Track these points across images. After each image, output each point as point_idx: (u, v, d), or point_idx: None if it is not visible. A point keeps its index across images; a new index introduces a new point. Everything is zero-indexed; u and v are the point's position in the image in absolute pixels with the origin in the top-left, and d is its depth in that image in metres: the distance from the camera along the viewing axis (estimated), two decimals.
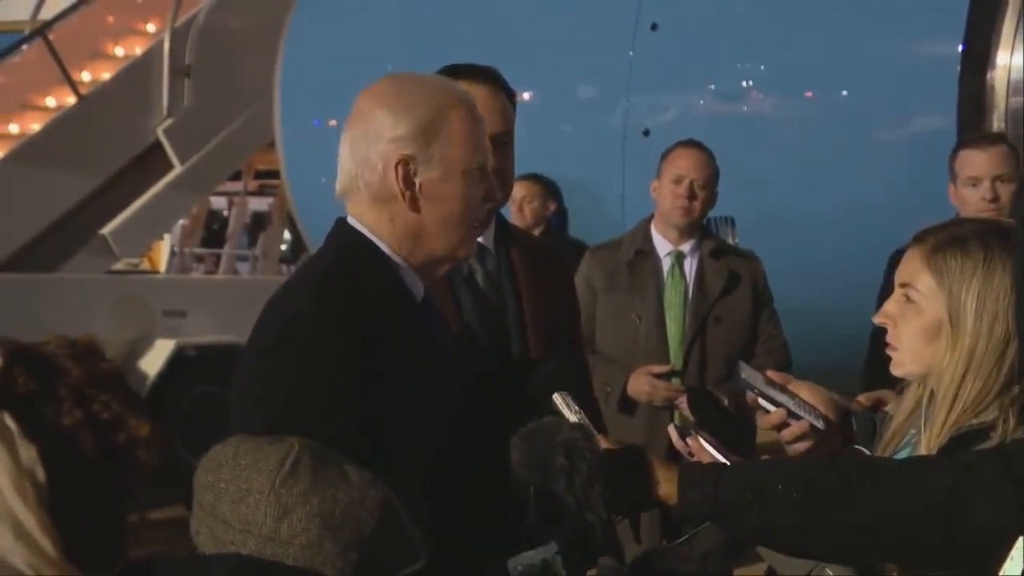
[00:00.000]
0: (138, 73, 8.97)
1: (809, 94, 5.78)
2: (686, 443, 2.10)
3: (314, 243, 6.81)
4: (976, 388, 1.86)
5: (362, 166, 1.98)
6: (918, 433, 1.96)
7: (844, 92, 5.67)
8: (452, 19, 6.61)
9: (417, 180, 1.97)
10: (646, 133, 5.84)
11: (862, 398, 2.28)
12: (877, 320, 2.00)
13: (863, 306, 3.19)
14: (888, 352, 1.98)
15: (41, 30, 8.92)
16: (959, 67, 5.25)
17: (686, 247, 4.27)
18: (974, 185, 3.76)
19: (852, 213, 5.44)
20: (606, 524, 1.84)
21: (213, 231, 13.74)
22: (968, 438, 1.85)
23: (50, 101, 9.23)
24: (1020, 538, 1.59)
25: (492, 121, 2.23)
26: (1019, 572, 1.57)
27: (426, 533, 1.49)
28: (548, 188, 5.59)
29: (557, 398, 1.98)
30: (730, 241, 4.99)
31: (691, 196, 4.18)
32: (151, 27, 9.92)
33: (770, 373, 2.17)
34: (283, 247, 12.43)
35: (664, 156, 4.29)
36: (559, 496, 1.80)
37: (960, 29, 5.25)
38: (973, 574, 1.74)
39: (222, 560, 1.41)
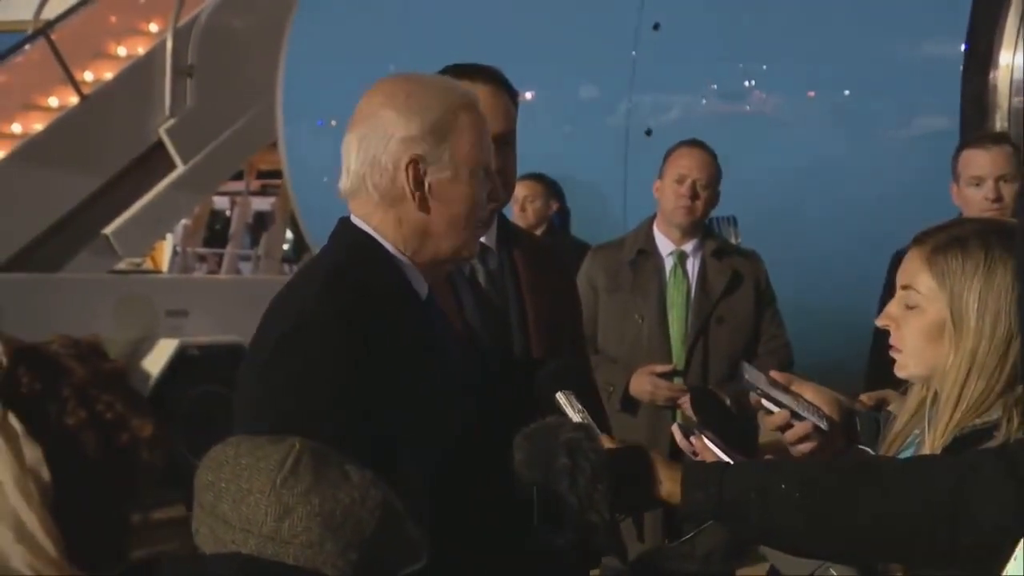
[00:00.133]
0: (140, 73, 8.98)
1: (811, 94, 5.78)
2: (690, 442, 2.10)
3: (316, 243, 6.81)
4: (979, 388, 1.86)
5: (371, 166, 1.98)
6: (922, 433, 1.96)
7: (847, 92, 5.66)
8: (454, 19, 6.61)
9: (427, 180, 1.97)
10: (648, 133, 5.84)
11: (865, 398, 2.28)
12: (880, 323, 2.00)
13: (865, 306, 3.19)
14: (892, 354, 1.98)
15: (44, 30, 8.92)
16: (962, 67, 5.25)
17: (688, 247, 4.27)
18: (977, 185, 3.76)
19: (855, 213, 5.44)
20: (609, 524, 1.84)
21: (215, 231, 13.77)
22: (972, 438, 1.84)
23: (53, 101, 9.24)
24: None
25: (495, 121, 2.24)
26: (1022, 573, 1.57)
27: (427, 533, 1.49)
28: (550, 188, 5.59)
29: (560, 397, 1.98)
30: (732, 241, 4.99)
31: (693, 196, 4.18)
32: (154, 27, 9.93)
33: (773, 373, 2.17)
34: (285, 247, 12.44)
35: (667, 156, 4.29)
36: (562, 496, 1.80)
37: (963, 29, 5.25)
38: (976, 574, 1.74)
39: (223, 560, 1.41)
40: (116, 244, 8.55)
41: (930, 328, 1.91)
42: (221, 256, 12.29)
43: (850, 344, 4.06)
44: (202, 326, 8.20)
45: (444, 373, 1.98)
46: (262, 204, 13.70)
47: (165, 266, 12.78)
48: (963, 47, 5.26)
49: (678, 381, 4.17)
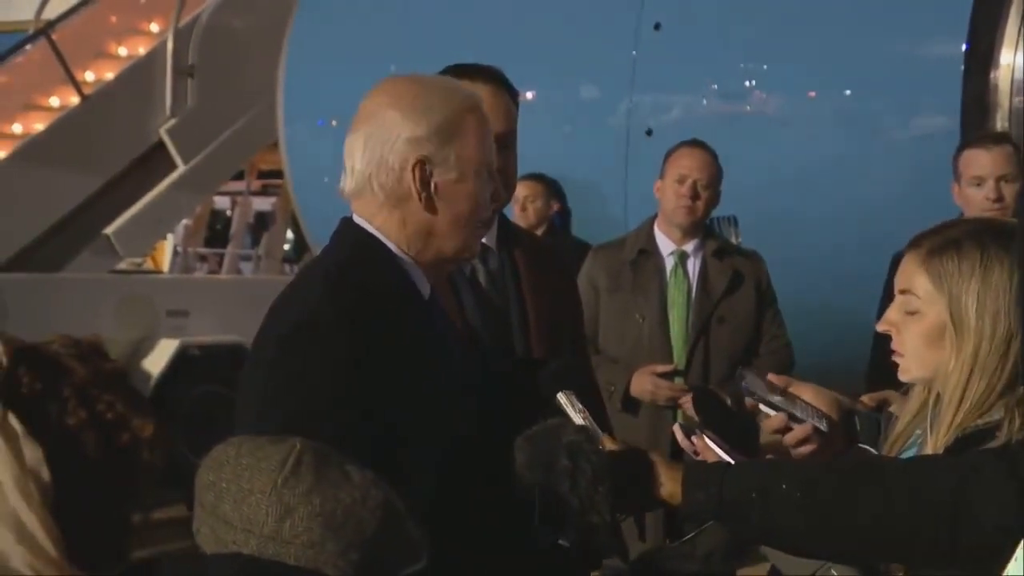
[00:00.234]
0: (141, 73, 8.97)
1: (812, 94, 5.78)
2: (691, 442, 2.11)
3: (317, 242, 6.81)
4: (981, 388, 1.86)
5: (377, 166, 1.98)
6: (924, 434, 1.96)
7: (847, 92, 5.66)
8: (455, 19, 6.61)
9: (433, 181, 1.98)
10: (649, 133, 5.84)
11: (866, 398, 2.28)
12: (880, 328, 2.00)
13: (866, 306, 3.19)
14: (895, 359, 1.98)
15: (44, 30, 8.92)
16: (963, 66, 5.25)
17: (689, 247, 4.27)
18: (978, 185, 3.76)
19: (855, 213, 5.44)
20: (610, 526, 1.84)
21: (216, 231, 13.77)
22: (974, 439, 1.84)
23: (54, 101, 9.24)
24: None
25: (496, 121, 2.24)
26: (1023, 573, 1.57)
27: (428, 533, 1.49)
28: (551, 188, 5.59)
29: (561, 398, 1.98)
30: (733, 241, 4.99)
31: (694, 196, 4.18)
32: (154, 27, 9.93)
33: (771, 377, 2.17)
34: (286, 247, 12.44)
35: (667, 156, 4.29)
36: (563, 498, 1.80)
37: (963, 28, 5.25)
38: (977, 575, 1.74)
39: (224, 560, 1.41)
40: (117, 244, 8.55)
41: (930, 332, 1.91)
42: (222, 256, 12.29)
43: (851, 344, 4.06)
44: (203, 326, 8.20)
45: (446, 373, 1.98)
46: (263, 204, 13.71)
47: (166, 266, 12.77)
48: (964, 47, 5.26)
49: (679, 381, 4.18)
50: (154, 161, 8.90)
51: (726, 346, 4.22)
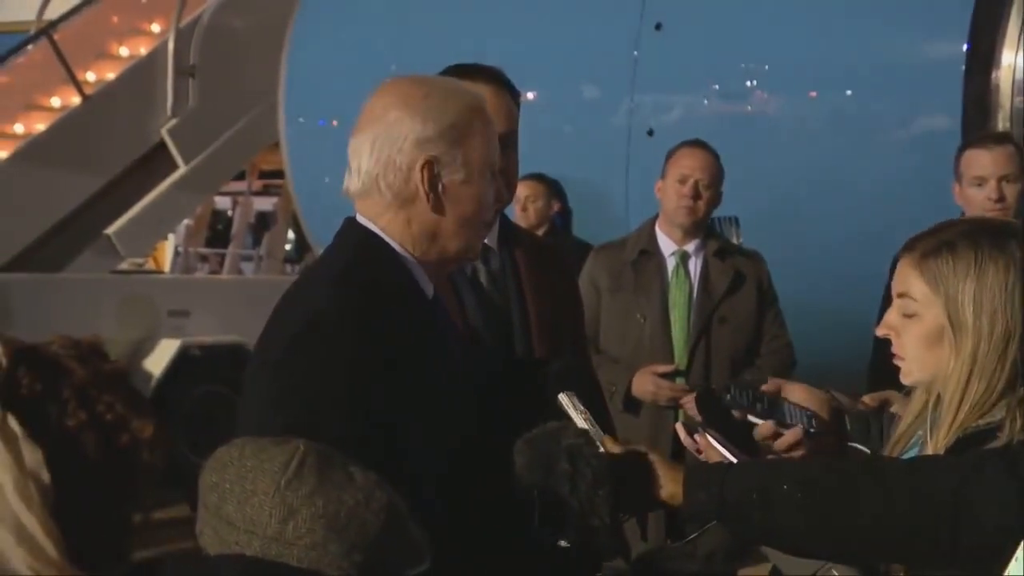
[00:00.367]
0: (142, 73, 8.98)
1: (813, 94, 5.78)
2: (694, 440, 2.11)
3: (318, 243, 6.82)
4: (981, 388, 1.86)
5: (385, 166, 1.98)
6: (925, 435, 1.96)
7: (848, 92, 5.66)
8: (455, 19, 6.61)
9: (441, 182, 1.98)
10: (650, 133, 5.84)
11: (868, 399, 2.28)
12: (880, 332, 2.01)
13: (867, 306, 3.19)
14: (896, 363, 1.99)
15: (46, 30, 8.93)
16: (964, 67, 5.25)
17: (690, 247, 4.27)
18: (980, 185, 3.75)
19: (856, 213, 5.43)
20: (610, 528, 1.84)
21: (217, 231, 13.77)
22: (975, 439, 1.85)
23: (55, 101, 9.24)
24: None
25: (498, 121, 2.24)
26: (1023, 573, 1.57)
27: (430, 534, 1.49)
28: (552, 188, 5.59)
29: (563, 398, 1.98)
30: (734, 241, 4.99)
31: (696, 196, 4.18)
32: (155, 27, 9.94)
33: (765, 387, 2.18)
34: (287, 247, 12.44)
35: (668, 156, 4.29)
36: (563, 500, 1.80)
37: (965, 29, 5.24)
38: (978, 575, 1.74)
39: (227, 561, 1.41)
40: (118, 244, 8.56)
41: (929, 334, 1.92)
42: (223, 256, 12.29)
43: (852, 344, 4.06)
44: (204, 326, 8.20)
45: (448, 373, 1.98)
46: (264, 204, 13.71)
47: (167, 266, 12.78)
48: (965, 47, 5.25)
49: (680, 381, 4.18)
50: (155, 161, 8.90)
51: (727, 346, 4.22)
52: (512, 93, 2.59)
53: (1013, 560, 1.60)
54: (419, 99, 1.99)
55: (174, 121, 8.84)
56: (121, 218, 8.62)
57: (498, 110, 2.40)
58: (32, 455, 1.30)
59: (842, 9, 5.64)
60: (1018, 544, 1.60)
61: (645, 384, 4.14)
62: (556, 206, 5.61)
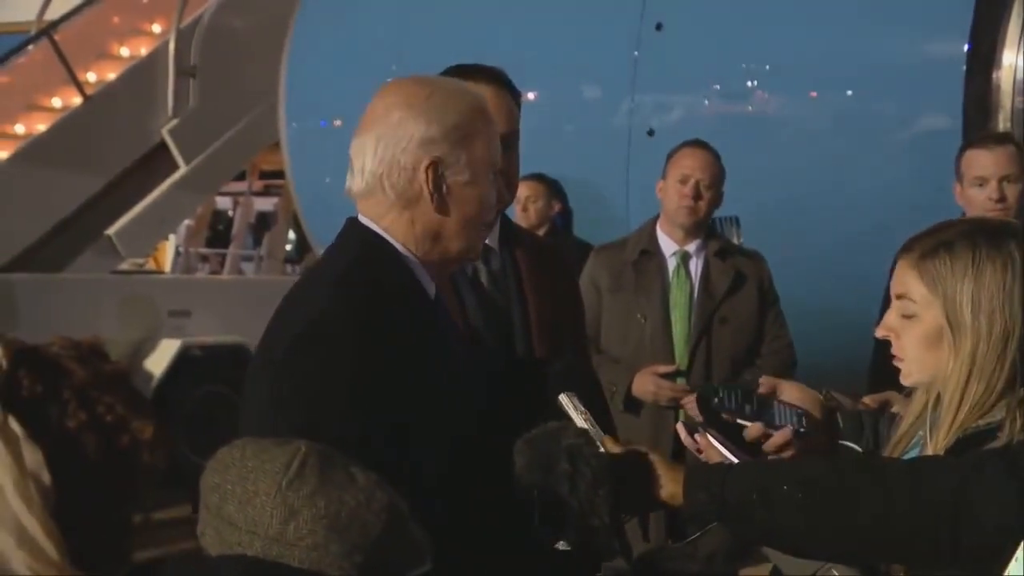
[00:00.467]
0: (143, 73, 8.99)
1: (814, 94, 5.78)
2: (694, 440, 2.11)
3: (319, 243, 6.81)
4: (980, 389, 1.87)
5: (389, 167, 1.98)
6: (925, 435, 1.96)
7: (849, 92, 5.66)
8: (456, 19, 6.61)
9: (445, 183, 1.98)
10: (651, 133, 5.84)
11: (868, 400, 2.28)
12: (879, 334, 2.01)
13: (868, 306, 3.19)
14: (896, 364, 1.99)
15: (47, 30, 8.94)
16: (965, 67, 5.25)
17: (691, 247, 4.27)
18: (980, 185, 3.75)
19: (857, 213, 5.43)
20: (610, 528, 1.84)
21: (218, 231, 13.79)
22: (975, 439, 1.85)
23: (56, 101, 9.25)
24: None
25: (498, 122, 2.24)
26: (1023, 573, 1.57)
27: (431, 535, 1.49)
28: (553, 188, 5.59)
29: (563, 399, 1.98)
30: (735, 241, 4.99)
31: (696, 196, 4.18)
32: (156, 27, 9.95)
33: (760, 388, 2.18)
34: (288, 247, 12.45)
35: (669, 156, 4.29)
36: (563, 500, 1.80)
37: (966, 29, 5.24)
38: (978, 575, 1.74)
39: (228, 562, 1.41)
40: (119, 244, 8.57)
41: (928, 335, 1.92)
42: (224, 256, 12.30)
43: (853, 344, 4.05)
44: (205, 326, 8.21)
45: (449, 373, 1.98)
46: (265, 204, 13.71)
47: (168, 266, 12.79)
48: (966, 47, 5.25)
49: (681, 381, 4.18)
50: (156, 161, 8.91)
51: (728, 346, 4.22)
52: (513, 93, 2.60)
53: (1013, 560, 1.60)
54: (423, 100, 1.99)
55: (175, 121, 8.85)
56: (122, 218, 8.63)
57: (499, 110, 2.40)
58: (33, 456, 1.30)
59: (842, 9, 5.64)
60: (1018, 544, 1.60)
61: (646, 384, 4.14)
62: (557, 206, 5.61)
